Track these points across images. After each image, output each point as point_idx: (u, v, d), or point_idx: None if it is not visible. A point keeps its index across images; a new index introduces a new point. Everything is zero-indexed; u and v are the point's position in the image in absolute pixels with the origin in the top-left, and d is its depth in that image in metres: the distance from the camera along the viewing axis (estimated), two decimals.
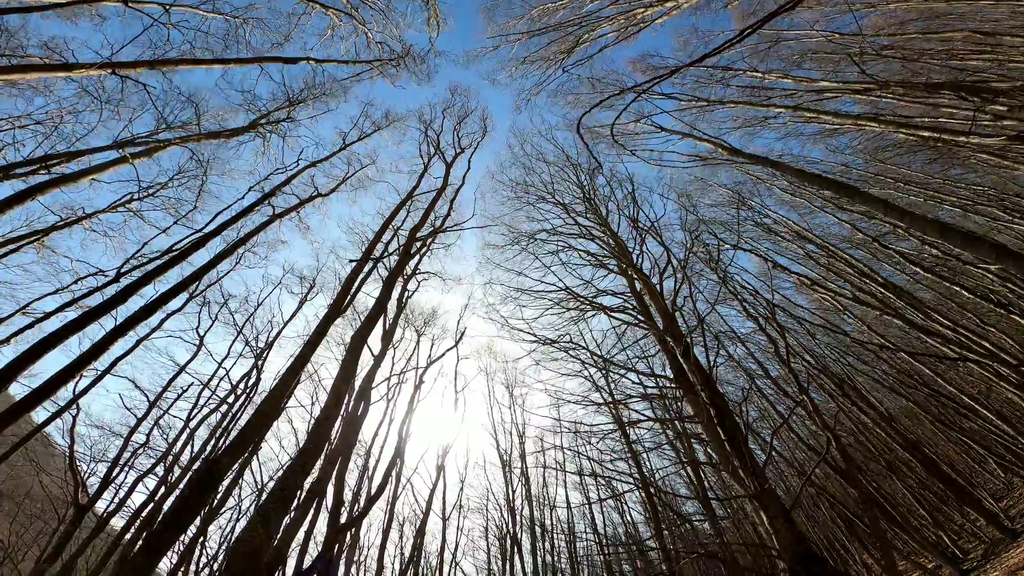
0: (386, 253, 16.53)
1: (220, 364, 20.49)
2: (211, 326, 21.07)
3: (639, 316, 12.78)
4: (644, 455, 19.46)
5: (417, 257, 17.38)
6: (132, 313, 11.15)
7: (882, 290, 17.67)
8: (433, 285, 18.54)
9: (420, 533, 17.08)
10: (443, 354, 20.36)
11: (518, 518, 19.89)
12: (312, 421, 19.48)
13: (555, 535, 22.53)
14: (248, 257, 19.84)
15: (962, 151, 15.38)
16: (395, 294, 16.37)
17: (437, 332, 23.23)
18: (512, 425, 23.44)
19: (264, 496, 8.79)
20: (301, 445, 9.87)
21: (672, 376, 11.14)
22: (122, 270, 15.46)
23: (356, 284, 13.69)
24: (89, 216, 16.28)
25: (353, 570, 18.37)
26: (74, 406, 15.31)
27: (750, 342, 21.31)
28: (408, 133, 25.46)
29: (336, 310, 11.30)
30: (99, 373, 16.08)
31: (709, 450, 12.89)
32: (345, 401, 13.31)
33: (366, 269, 14.89)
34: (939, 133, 11.61)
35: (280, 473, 12.96)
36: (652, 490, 15.73)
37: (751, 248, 20.95)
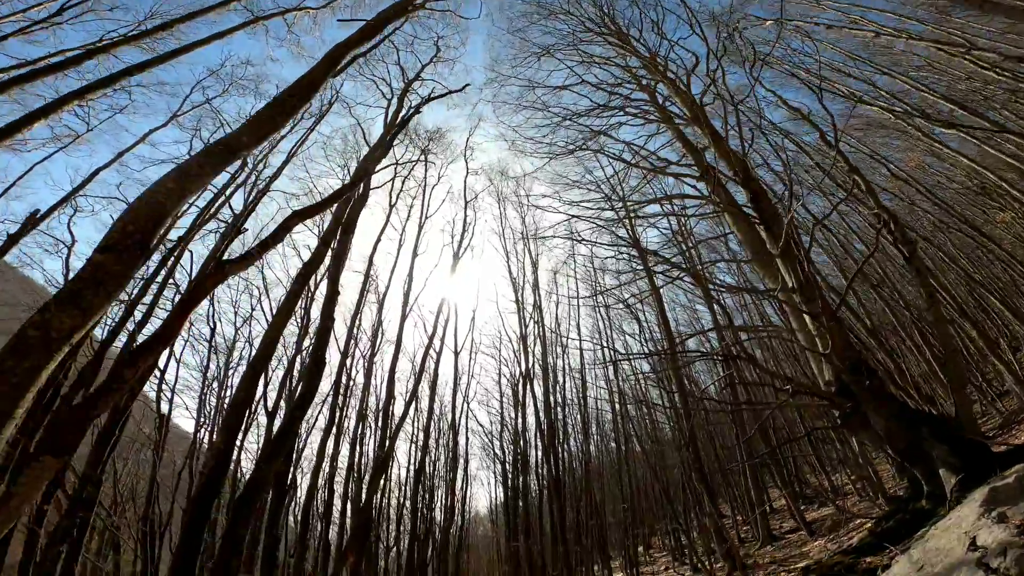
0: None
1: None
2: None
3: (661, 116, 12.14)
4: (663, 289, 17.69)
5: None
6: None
7: None
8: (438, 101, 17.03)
9: (422, 369, 16.56)
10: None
11: (531, 357, 19.55)
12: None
13: (567, 377, 22.30)
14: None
15: None
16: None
17: (444, 154, 21.68)
18: (525, 254, 22.27)
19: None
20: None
21: (699, 175, 10.50)
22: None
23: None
24: None
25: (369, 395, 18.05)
26: None
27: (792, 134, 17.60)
28: None
29: None
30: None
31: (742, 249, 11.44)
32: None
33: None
34: None
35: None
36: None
37: None
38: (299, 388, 9.04)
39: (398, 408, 16.13)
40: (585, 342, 21.60)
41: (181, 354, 18.90)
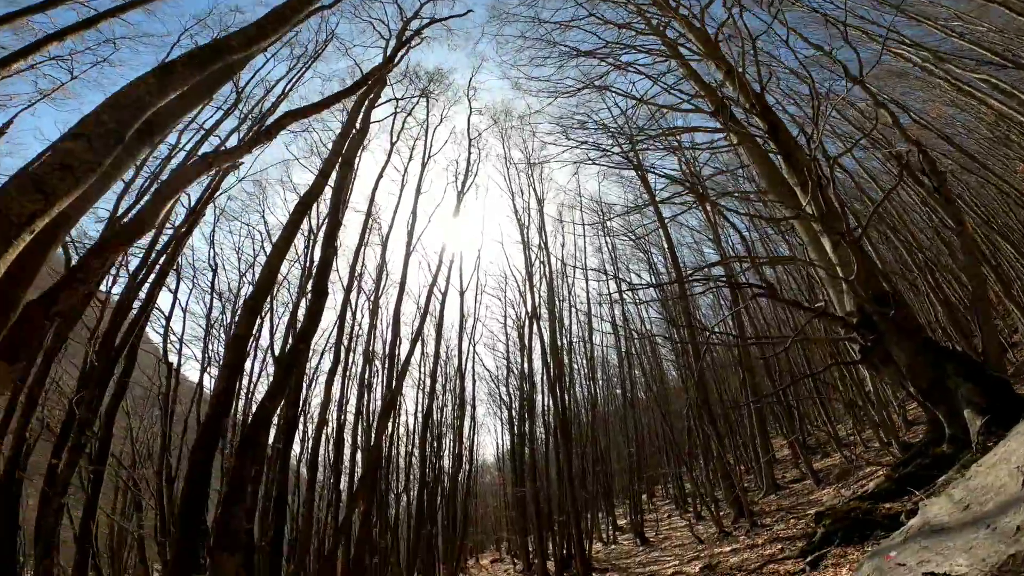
0: None
1: None
2: None
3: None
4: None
5: None
6: None
7: None
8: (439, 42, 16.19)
9: (426, 308, 16.06)
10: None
11: (537, 296, 19.08)
12: None
13: (573, 320, 21.90)
14: None
15: None
16: None
17: (445, 95, 20.97)
18: (531, 194, 21.30)
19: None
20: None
21: (713, 110, 10.10)
22: None
23: None
24: None
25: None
26: None
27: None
28: None
29: None
30: None
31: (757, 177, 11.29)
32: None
33: None
34: None
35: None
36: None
37: None
38: (302, 323, 8.72)
39: (403, 349, 15.83)
40: (592, 277, 21.04)
41: (187, 303, 18.65)
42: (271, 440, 13.85)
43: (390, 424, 18.32)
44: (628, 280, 18.98)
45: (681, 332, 16.09)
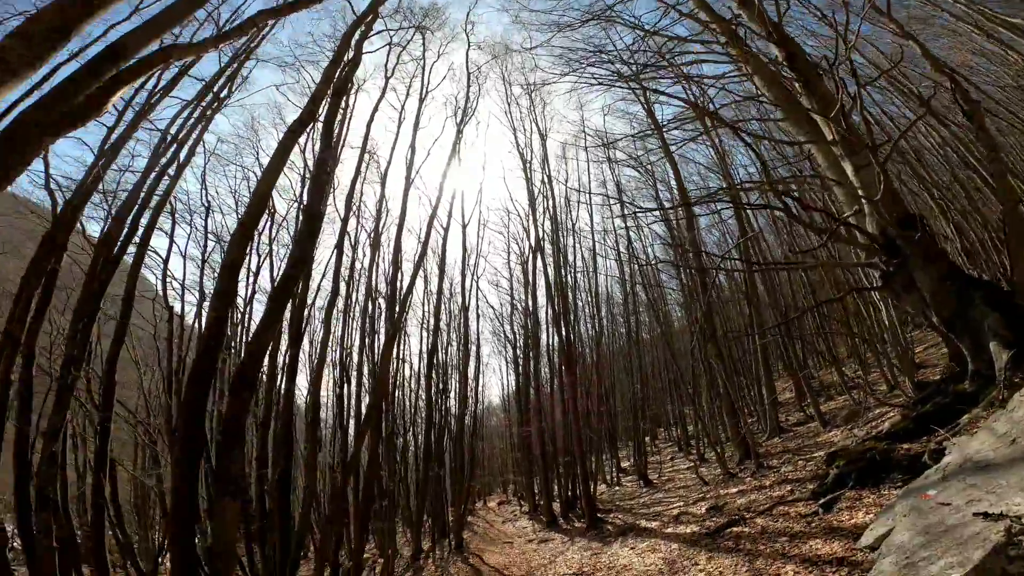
0: None
1: None
2: None
3: None
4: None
5: None
6: None
7: None
8: None
9: (427, 237, 15.28)
10: None
11: (540, 230, 18.62)
12: None
13: (577, 256, 21.49)
14: None
15: None
16: None
17: (442, 31, 19.83)
18: (532, 127, 20.52)
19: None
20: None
21: (725, 40, 9.71)
22: None
23: None
24: None
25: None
26: None
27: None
28: None
29: None
30: None
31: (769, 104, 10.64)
32: None
33: None
34: None
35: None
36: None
37: None
38: (292, 249, 8.36)
39: (406, 283, 15.35)
40: (597, 202, 20.26)
41: (186, 249, 18.26)
42: (280, 384, 13.69)
43: (394, 362, 18.15)
44: (632, 202, 18.18)
45: (688, 260, 15.50)
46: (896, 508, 4.11)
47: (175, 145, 11.82)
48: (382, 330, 15.60)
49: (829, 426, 12.48)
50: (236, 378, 6.83)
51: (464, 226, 19.79)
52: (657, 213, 16.94)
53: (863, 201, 7.19)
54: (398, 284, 14.03)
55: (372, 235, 15.66)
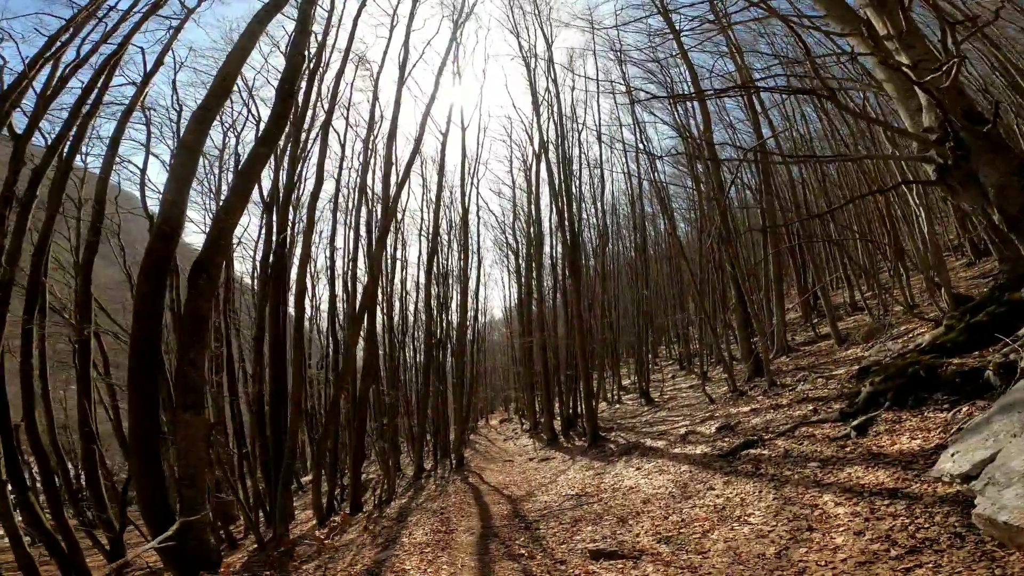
0: None
1: None
2: None
3: None
4: None
5: None
6: None
7: None
8: None
9: (422, 128, 14.03)
10: None
11: (544, 135, 17.44)
12: None
13: (582, 166, 19.84)
14: None
15: None
16: None
17: None
18: (537, 31, 18.80)
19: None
20: None
21: None
22: None
23: None
24: None
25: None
26: None
27: None
28: None
29: None
30: None
31: None
32: None
33: None
34: None
35: None
36: None
37: None
38: (264, 125, 7.30)
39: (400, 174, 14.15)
40: (604, 90, 18.53)
41: (171, 161, 17.02)
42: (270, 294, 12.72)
43: (388, 261, 17.28)
44: (641, 89, 16.65)
45: (701, 146, 14.12)
46: (994, 427, 3.28)
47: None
48: (376, 231, 14.51)
49: (846, 343, 11.70)
50: (193, 265, 5.91)
51: (464, 128, 18.43)
52: (667, 97, 15.30)
53: (919, 94, 6.06)
54: (392, 177, 12.81)
55: (365, 142, 14.36)
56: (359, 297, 12.83)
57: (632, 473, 8.99)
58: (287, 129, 10.46)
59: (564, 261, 17.47)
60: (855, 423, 6.11)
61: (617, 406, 18.90)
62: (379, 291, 14.78)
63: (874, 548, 3.59)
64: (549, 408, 18.12)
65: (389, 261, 17.87)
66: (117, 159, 11.78)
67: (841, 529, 4.03)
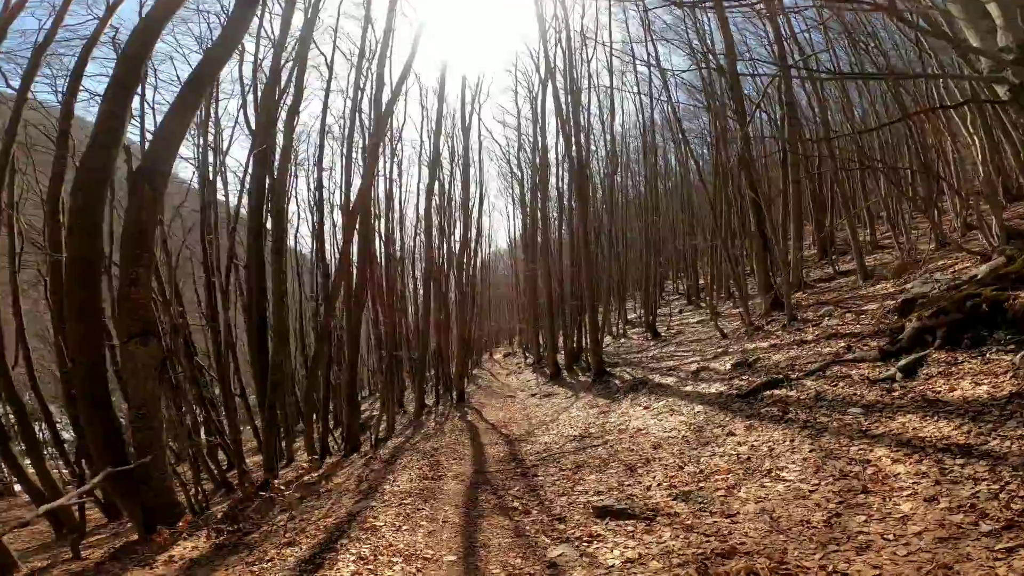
0: None
1: None
2: None
3: None
4: None
5: None
6: None
7: None
8: None
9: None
10: None
11: (552, 63, 16.00)
12: None
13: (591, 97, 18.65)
14: None
15: None
16: None
17: None
18: None
19: None
20: None
21: None
22: None
23: None
24: None
25: None
26: None
27: None
28: None
29: None
30: None
31: None
32: None
33: None
34: None
35: None
36: None
37: None
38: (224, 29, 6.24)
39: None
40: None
41: (153, 98, 15.63)
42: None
43: (383, 181, 16.26)
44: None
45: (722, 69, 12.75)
46: None
47: None
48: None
49: (874, 278, 10.77)
50: (135, 172, 5.02)
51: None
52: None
53: (994, 13, 4.91)
54: (381, 98, 11.65)
55: (357, 67, 12.93)
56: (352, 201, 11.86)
57: (640, 412, 8.34)
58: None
59: (571, 187, 16.40)
60: (901, 364, 5.31)
61: (623, 340, 18.25)
62: (373, 197, 13.81)
63: (956, 520, 2.83)
64: (553, 342, 17.51)
65: (387, 179, 16.83)
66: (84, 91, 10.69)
67: (906, 494, 3.27)
